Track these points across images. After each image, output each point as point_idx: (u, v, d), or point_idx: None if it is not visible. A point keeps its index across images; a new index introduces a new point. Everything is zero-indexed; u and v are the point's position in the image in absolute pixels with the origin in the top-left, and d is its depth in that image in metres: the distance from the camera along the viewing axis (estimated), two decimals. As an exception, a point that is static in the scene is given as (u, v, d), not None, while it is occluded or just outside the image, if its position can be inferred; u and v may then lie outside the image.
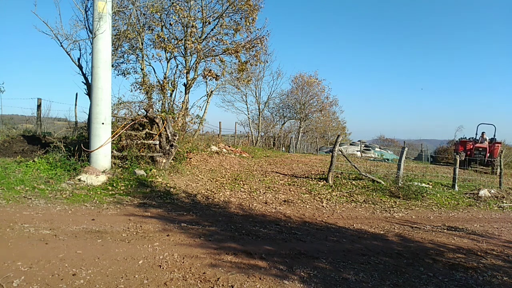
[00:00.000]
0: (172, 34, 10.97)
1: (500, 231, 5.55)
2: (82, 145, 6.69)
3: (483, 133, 14.89)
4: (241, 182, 7.90)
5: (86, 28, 7.00)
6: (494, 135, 14.76)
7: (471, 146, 14.43)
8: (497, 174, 12.50)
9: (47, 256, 3.04)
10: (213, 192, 6.82)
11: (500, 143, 14.61)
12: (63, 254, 3.13)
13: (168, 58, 11.13)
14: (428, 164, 14.59)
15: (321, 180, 8.38)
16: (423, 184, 8.49)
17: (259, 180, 8.33)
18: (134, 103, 8.77)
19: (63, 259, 3.01)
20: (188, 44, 10.36)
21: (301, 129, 26.48)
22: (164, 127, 7.68)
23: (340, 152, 9.37)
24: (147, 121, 7.75)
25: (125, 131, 7.35)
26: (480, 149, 14.08)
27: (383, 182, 8.25)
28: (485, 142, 14.60)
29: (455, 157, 9.67)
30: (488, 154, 13.90)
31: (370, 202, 6.96)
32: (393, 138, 39.01)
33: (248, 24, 10.82)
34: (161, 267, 3.04)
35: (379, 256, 3.79)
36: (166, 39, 10.62)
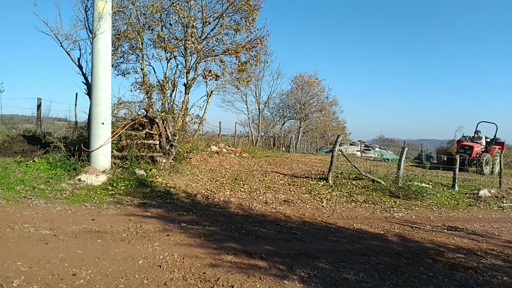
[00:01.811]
0: (172, 34, 10.97)
1: (500, 231, 5.55)
2: (82, 145, 6.69)
3: (477, 131, 14.20)
4: (241, 182, 7.89)
5: (86, 28, 7.00)
6: (495, 135, 14.18)
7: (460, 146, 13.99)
8: (485, 174, 12.10)
9: (47, 256, 3.04)
10: (213, 192, 6.82)
11: (502, 143, 14.09)
12: (63, 254, 3.13)
13: (168, 58, 11.14)
14: (427, 166, 14.04)
15: (321, 180, 8.38)
16: (423, 184, 8.49)
17: (259, 180, 8.33)
18: (134, 103, 8.78)
19: (63, 259, 3.01)
20: (188, 44, 10.36)
21: (301, 129, 26.48)
22: (164, 127, 7.68)
23: (340, 152, 9.37)
24: (147, 121, 7.75)
25: (125, 131, 7.35)
26: (466, 147, 13.39)
27: (383, 182, 8.25)
28: (481, 140, 13.99)
29: (454, 157, 9.65)
30: (476, 155, 13.21)
31: (370, 202, 6.96)
32: (393, 138, 39.07)
33: (248, 24, 10.82)
34: (161, 267, 3.04)
35: (379, 256, 3.79)
36: (166, 39, 10.62)
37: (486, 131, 14.64)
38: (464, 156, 13.11)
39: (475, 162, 12.86)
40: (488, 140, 14.14)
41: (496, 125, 14.15)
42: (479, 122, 14.40)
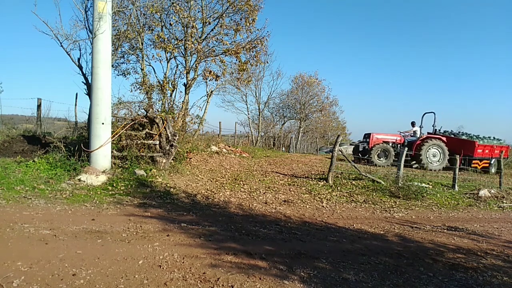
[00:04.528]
0: (172, 34, 10.97)
1: (500, 231, 5.55)
2: (82, 145, 6.69)
3: (412, 122, 13.41)
4: (241, 182, 7.89)
5: (86, 28, 7.01)
6: (434, 124, 13.21)
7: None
8: (376, 165, 11.37)
9: (47, 256, 3.04)
10: (213, 192, 6.82)
11: (442, 134, 12.94)
12: (63, 254, 3.13)
13: (168, 58, 11.14)
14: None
15: (321, 180, 8.38)
16: (423, 184, 8.49)
17: (259, 180, 8.33)
18: (134, 103, 8.78)
19: (63, 259, 3.01)
20: (188, 45, 10.37)
21: (301, 129, 26.51)
22: (164, 127, 7.68)
23: (340, 152, 9.37)
24: (147, 121, 7.75)
25: (125, 131, 7.35)
26: (366, 135, 13.01)
27: (383, 182, 8.25)
28: (411, 131, 13.17)
29: (454, 157, 9.61)
30: (382, 143, 12.49)
31: (370, 202, 6.96)
32: (393, 138, 38.95)
33: (248, 24, 10.82)
34: (161, 267, 3.04)
35: (379, 256, 3.79)
36: (166, 39, 10.62)
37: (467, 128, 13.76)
38: (363, 145, 12.83)
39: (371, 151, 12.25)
40: (422, 133, 13.13)
41: (434, 113, 13.29)
42: (424, 114, 13.58)
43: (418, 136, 12.99)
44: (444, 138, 12.62)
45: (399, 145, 12.75)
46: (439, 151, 12.30)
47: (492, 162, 13.47)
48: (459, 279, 3.30)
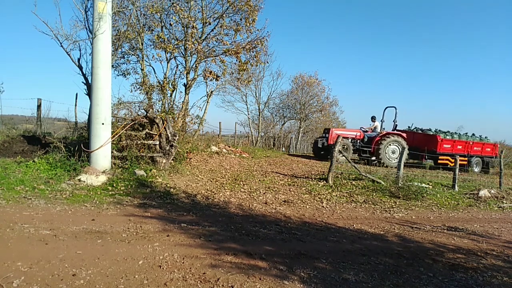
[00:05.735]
0: (172, 34, 10.97)
1: (500, 231, 5.56)
2: (82, 145, 6.69)
3: (372, 117, 13.04)
4: (241, 182, 7.89)
5: (86, 29, 7.01)
6: (394, 120, 12.88)
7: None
8: (338, 161, 10.85)
9: (47, 257, 3.04)
10: (213, 192, 6.81)
11: (401, 131, 12.59)
12: (63, 254, 3.13)
13: (168, 58, 11.14)
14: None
15: (321, 180, 8.37)
16: (423, 185, 8.49)
17: (259, 180, 8.32)
18: (134, 103, 8.77)
19: (63, 260, 3.01)
20: (188, 45, 10.36)
21: (301, 129, 26.49)
22: (164, 127, 7.67)
23: (340, 152, 9.37)
24: (147, 121, 7.75)
25: (125, 131, 7.35)
26: (326, 130, 12.97)
27: (383, 182, 8.25)
28: (372, 126, 12.89)
29: (455, 158, 9.61)
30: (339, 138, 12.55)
31: (370, 202, 6.96)
32: (393, 138, 38.88)
33: (248, 24, 10.82)
34: (161, 267, 3.04)
35: (379, 257, 3.79)
36: (166, 40, 10.62)
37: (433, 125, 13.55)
38: (322, 141, 12.71)
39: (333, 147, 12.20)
40: (381, 130, 12.83)
41: (395, 108, 13.00)
42: (385, 108, 13.35)
43: (378, 131, 12.83)
44: (404, 134, 12.43)
45: (358, 141, 12.66)
46: (398, 148, 12.08)
47: (472, 160, 13.04)
48: (459, 279, 3.31)
